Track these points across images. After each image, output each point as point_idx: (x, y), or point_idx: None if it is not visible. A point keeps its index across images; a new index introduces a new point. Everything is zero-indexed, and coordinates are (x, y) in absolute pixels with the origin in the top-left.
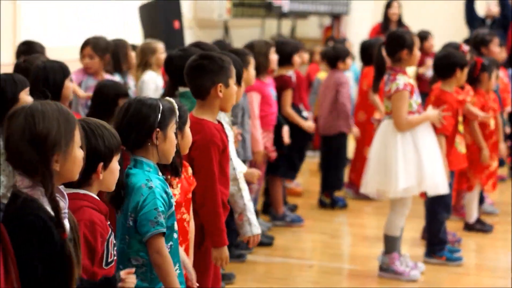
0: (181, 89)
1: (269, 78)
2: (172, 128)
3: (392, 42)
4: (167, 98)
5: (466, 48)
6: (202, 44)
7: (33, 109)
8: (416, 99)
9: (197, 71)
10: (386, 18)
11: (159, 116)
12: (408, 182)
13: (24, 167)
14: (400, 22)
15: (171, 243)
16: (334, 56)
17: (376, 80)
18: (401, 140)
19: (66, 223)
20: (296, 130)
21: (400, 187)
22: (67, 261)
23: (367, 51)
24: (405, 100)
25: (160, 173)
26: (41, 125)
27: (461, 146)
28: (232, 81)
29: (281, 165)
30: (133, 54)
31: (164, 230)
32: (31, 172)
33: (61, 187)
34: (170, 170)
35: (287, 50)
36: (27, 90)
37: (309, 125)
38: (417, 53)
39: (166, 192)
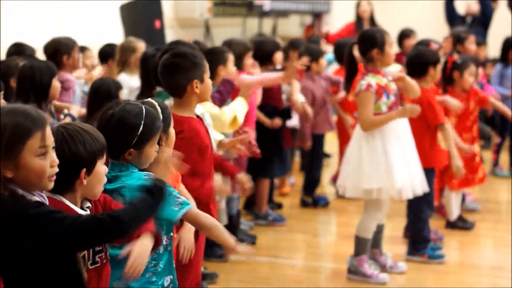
0: (158, 89)
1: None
2: (150, 145)
3: (363, 42)
4: (150, 100)
5: (435, 45)
6: (181, 42)
7: None
8: (387, 100)
9: (171, 70)
10: (358, 17)
11: (137, 137)
12: (370, 184)
13: None
14: (372, 20)
15: (171, 234)
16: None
17: (347, 81)
18: (370, 144)
19: None
20: (284, 129)
21: (373, 186)
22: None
23: (341, 50)
24: (367, 100)
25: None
26: None
27: (442, 142)
28: (207, 75)
29: (274, 164)
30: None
31: (191, 205)
32: None
33: (43, 193)
34: None
35: (266, 49)
36: (1, 93)
37: (276, 122)
38: (389, 52)
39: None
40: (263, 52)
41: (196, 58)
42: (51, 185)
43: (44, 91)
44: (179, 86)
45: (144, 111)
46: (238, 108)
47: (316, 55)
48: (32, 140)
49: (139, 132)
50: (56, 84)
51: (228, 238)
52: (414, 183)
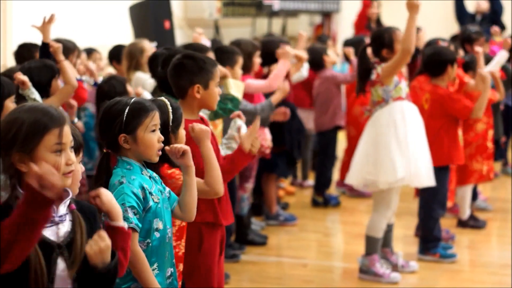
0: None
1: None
2: (143, 128)
3: (374, 42)
4: (162, 98)
5: (443, 43)
6: (195, 45)
7: (12, 111)
8: (405, 87)
9: (177, 70)
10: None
11: (124, 121)
12: (403, 172)
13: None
14: (378, 21)
15: (148, 240)
16: (316, 58)
17: (360, 82)
18: (393, 128)
19: (62, 226)
20: (292, 128)
21: (398, 176)
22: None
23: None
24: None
25: (145, 171)
26: (3, 125)
27: (461, 140)
28: (214, 83)
29: (279, 163)
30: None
31: (132, 225)
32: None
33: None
34: (169, 162)
35: (276, 48)
36: (12, 97)
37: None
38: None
39: (143, 188)
40: (272, 52)
41: (205, 64)
42: (69, 181)
43: (43, 91)
44: (181, 87)
45: (132, 99)
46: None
47: (321, 52)
48: (48, 136)
49: (125, 116)
50: (56, 84)
51: (148, 281)
52: (422, 173)
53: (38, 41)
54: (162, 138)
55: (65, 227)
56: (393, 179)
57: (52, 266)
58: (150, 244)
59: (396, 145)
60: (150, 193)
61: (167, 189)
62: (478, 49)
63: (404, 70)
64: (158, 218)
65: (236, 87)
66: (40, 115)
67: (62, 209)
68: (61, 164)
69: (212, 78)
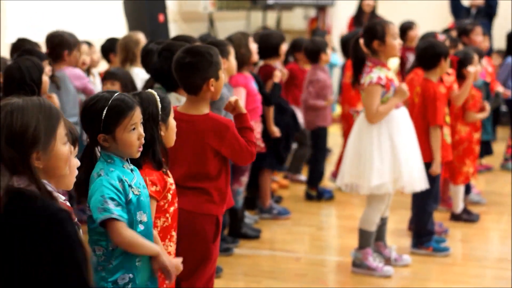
0: (157, 85)
1: (248, 72)
2: (122, 129)
3: (365, 34)
4: (149, 90)
5: (442, 37)
6: (183, 37)
7: (13, 106)
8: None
9: (188, 69)
10: (360, 9)
11: (102, 122)
12: (381, 179)
13: (6, 166)
14: (373, 13)
15: None
16: (316, 50)
17: (354, 74)
18: (377, 136)
19: None
20: (282, 121)
21: (373, 184)
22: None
23: (347, 45)
24: (377, 93)
25: (126, 165)
26: (19, 122)
27: (448, 137)
28: (221, 72)
29: (267, 156)
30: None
31: (113, 215)
32: (13, 170)
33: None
34: (153, 162)
35: (273, 42)
36: None
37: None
38: (392, 43)
39: (122, 180)
40: (270, 45)
41: (212, 57)
42: (73, 178)
43: (35, 88)
44: (194, 85)
45: (113, 96)
46: None
47: (323, 46)
48: (60, 127)
49: (104, 116)
50: (45, 79)
51: (151, 249)
52: (415, 178)
53: (33, 37)
54: (143, 134)
55: None
56: (370, 185)
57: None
58: None
59: (377, 153)
60: (130, 185)
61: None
62: (471, 69)
63: (394, 66)
64: (141, 210)
65: None
66: (45, 106)
67: None
68: (70, 154)
69: (220, 67)
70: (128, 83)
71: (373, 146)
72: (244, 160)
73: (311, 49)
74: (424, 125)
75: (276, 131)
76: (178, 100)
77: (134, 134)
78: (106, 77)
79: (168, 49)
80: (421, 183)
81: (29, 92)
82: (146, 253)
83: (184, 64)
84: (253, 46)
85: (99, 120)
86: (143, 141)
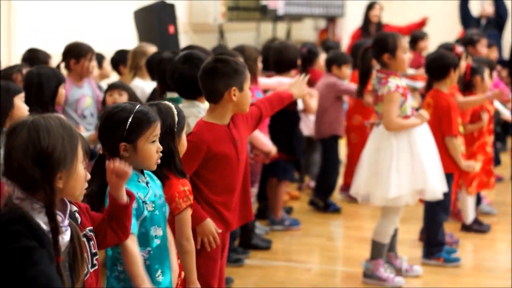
0: (169, 95)
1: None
2: (144, 140)
3: (375, 46)
4: (166, 102)
5: (460, 49)
6: (195, 47)
7: (36, 124)
8: (410, 103)
9: (211, 74)
10: (367, 20)
11: (126, 130)
12: (399, 191)
13: (25, 184)
14: (379, 24)
15: (149, 248)
16: (334, 60)
17: (360, 85)
18: (396, 146)
19: (65, 236)
20: (298, 135)
21: (390, 195)
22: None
23: (356, 55)
24: (396, 101)
25: (142, 178)
26: (46, 141)
27: (462, 147)
28: (247, 85)
29: (288, 167)
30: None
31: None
32: (32, 189)
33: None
34: (176, 173)
35: (291, 55)
36: (21, 95)
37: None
38: (402, 57)
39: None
40: (286, 59)
41: (238, 66)
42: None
43: (51, 98)
44: (216, 91)
45: (136, 107)
46: None
47: (340, 61)
48: (79, 146)
49: (128, 125)
50: (62, 91)
51: (138, 280)
52: (437, 186)
53: (41, 45)
54: (161, 148)
55: (67, 236)
56: (387, 196)
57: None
58: (151, 252)
59: (396, 164)
60: (144, 201)
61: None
62: (483, 49)
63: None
64: (156, 225)
65: None
66: (67, 125)
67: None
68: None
69: (246, 80)
70: (134, 95)
71: (392, 157)
72: None
73: (327, 59)
74: (437, 136)
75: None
76: (198, 106)
77: (154, 146)
78: (113, 86)
79: (196, 57)
80: (441, 191)
81: (45, 101)
82: (134, 276)
83: (209, 69)
84: (259, 65)
85: (123, 128)
86: (160, 154)
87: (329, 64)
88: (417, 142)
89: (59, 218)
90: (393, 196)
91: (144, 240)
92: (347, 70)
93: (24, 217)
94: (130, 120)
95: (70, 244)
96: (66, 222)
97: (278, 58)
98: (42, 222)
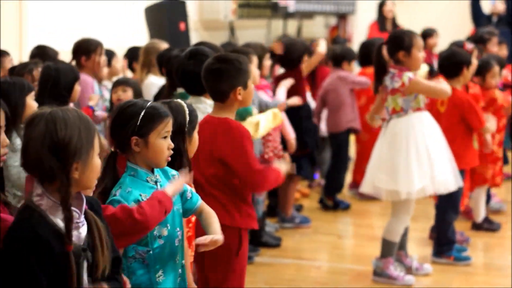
0: (179, 90)
1: (264, 80)
2: (156, 134)
3: (391, 42)
4: (178, 100)
5: (470, 46)
6: (205, 44)
7: (54, 116)
8: (423, 97)
9: (216, 75)
10: (382, 16)
11: (138, 124)
12: (422, 182)
13: (43, 174)
14: (394, 21)
15: (148, 249)
16: (342, 56)
17: (376, 81)
18: (413, 140)
19: (83, 230)
20: (310, 129)
21: (415, 188)
22: (68, 274)
23: (365, 51)
24: (422, 80)
25: (151, 177)
26: (63, 132)
27: (476, 142)
28: (250, 81)
29: (303, 164)
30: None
31: (117, 199)
32: (49, 179)
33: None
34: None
35: (296, 52)
36: (32, 94)
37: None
38: (417, 55)
39: (138, 201)
40: (291, 56)
41: (241, 65)
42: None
43: (67, 93)
44: (222, 91)
45: (148, 103)
46: (263, 118)
47: (350, 57)
48: (96, 138)
49: (140, 119)
50: (77, 87)
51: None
52: (448, 178)
53: (52, 44)
54: (172, 145)
55: (84, 230)
56: (411, 189)
57: (80, 270)
58: (151, 252)
59: (415, 156)
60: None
61: (189, 188)
62: (494, 48)
63: (422, 74)
64: (160, 225)
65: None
66: (84, 117)
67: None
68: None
69: (249, 77)
70: (139, 92)
71: (410, 151)
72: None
73: (337, 54)
74: (455, 133)
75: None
76: (204, 102)
77: (166, 142)
78: (118, 83)
79: (202, 53)
80: (454, 184)
81: (60, 95)
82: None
83: (212, 70)
84: (267, 63)
85: (135, 122)
86: (171, 152)
87: (340, 59)
88: (432, 140)
89: (75, 215)
90: (418, 188)
91: (143, 239)
92: (354, 66)
93: (34, 226)
94: (142, 114)
95: (89, 235)
96: (82, 217)
97: (285, 54)
98: (59, 219)
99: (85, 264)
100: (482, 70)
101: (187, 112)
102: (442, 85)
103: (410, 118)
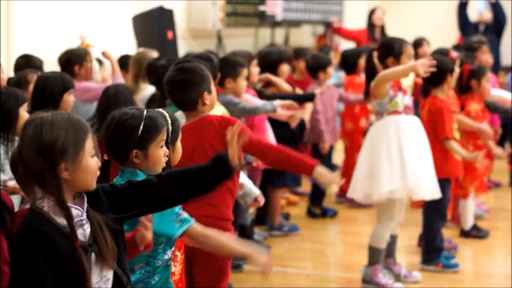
0: (169, 101)
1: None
2: (155, 145)
3: (382, 48)
4: (161, 110)
5: (454, 54)
6: (203, 55)
7: (43, 120)
8: (404, 99)
9: (181, 86)
10: (370, 24)
11: (138, 138)
12: (392, 185)
13: (35, 177)
14: (383, 30)
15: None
16: (314, 66)
17: (367, 87)
18: (385, 142)
19: (86, 228)
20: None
21: (385, 190)
22: (79, 269)
23: (348, 61)
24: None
25: None
26: (49, 134)
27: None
28: (213, 84)
29: (282, 174)
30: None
31: (192, 221)
32: (40, 181)
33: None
34: None
35: (272, 59)
36: (25, 105)
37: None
38: (406, 63)
39: None
40: (269, 63)
41: (203, 71)
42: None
43: (54, 102)
44: (191, 101)
45: (144, 113)
46: None
47: (324, 65)
48: (88, 139)
49: (140, 132)
50: (68, 98)
51: (244, 249)
52: (423, 185)
53: (39, 53)
54: (168, 152)
55: (88, 227)
56: (382, 191)
57: (90, 264)
58: (163, 264)
59: (386, 159)
60: None
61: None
62: (483, 56)
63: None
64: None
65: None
66: (74, 119)
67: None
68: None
69: (211, 81)
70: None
71: (382, 154)
72: None
73: (311, 65)
74: (432, 141)
75: None
76: None
77: (162, 150)
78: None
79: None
80: (432, 192)
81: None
82: (238, 250)
83: (177, 82)
84: (255, 69)
85: (135, 136)
86: (167, 158)
87: (314, 70)
88: (408, 143)
89: (78, 212)
90: (388, 189)
91: (168, 240)
92: (331, 70)
93: (40, 227)
94: (141, 127)
95: (92, 232)
96: (85, 215)
97: (260, 63)
98: (63, 218)
99: (93, 257)
100: (478, 75)
101: (169, 122)
102: (400, 66)
103: (385, 121)
